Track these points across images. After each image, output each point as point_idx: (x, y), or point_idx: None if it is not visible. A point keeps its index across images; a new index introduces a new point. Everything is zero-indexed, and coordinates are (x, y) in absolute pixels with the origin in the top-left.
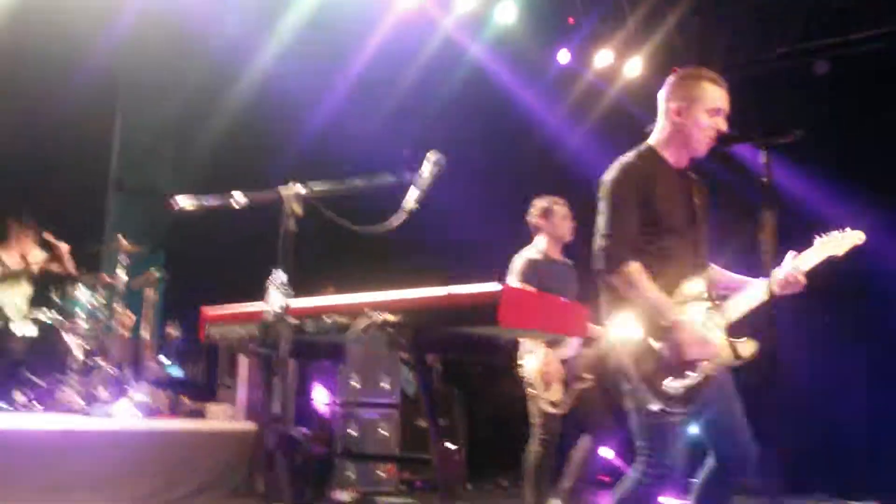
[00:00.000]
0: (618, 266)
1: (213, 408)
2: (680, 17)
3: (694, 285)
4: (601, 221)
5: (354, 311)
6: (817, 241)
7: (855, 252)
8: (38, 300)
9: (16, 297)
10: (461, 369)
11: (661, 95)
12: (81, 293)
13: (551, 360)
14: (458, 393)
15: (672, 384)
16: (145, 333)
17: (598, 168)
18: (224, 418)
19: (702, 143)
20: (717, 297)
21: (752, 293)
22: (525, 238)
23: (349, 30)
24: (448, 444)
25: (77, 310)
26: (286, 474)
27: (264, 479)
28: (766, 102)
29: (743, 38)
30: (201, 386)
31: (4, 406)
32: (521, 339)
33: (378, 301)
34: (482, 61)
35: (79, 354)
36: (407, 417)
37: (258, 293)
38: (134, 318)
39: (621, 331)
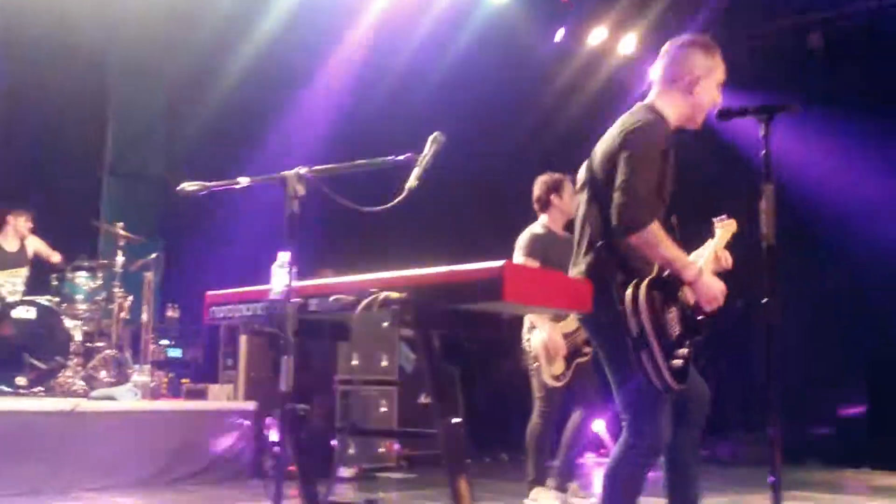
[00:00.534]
0: (642, 225)
1: (214, 388)
2: None
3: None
4: (622, 178)
5: (359, 290)
6: (717, 227)
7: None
8: (37, 285)
9: (14, 281)
10: (460, 347)
11: (671, 60)
12: (80, 277)
13: (555, 334)
14: (458, 370)
15: (676, 359)
16: (144, 315)
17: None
18: (225, 398)
19: (703, 113)
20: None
21: (707, 259)
22: (521, 216)
23: (343, 10)
24: (452, 419)
25: (76, 294)
26: (292, 451)
27: (268, 457)
28: (762, 75)
29: (737, 13)
30: (202, 366)
31: (6, 389)
32: (525, 315)
33: (383, 279)
34: (477, 40)
35: (79, 338)
36: (406, 395)
37: (258, 273)
38: (132, 299)
39: (649, 298)
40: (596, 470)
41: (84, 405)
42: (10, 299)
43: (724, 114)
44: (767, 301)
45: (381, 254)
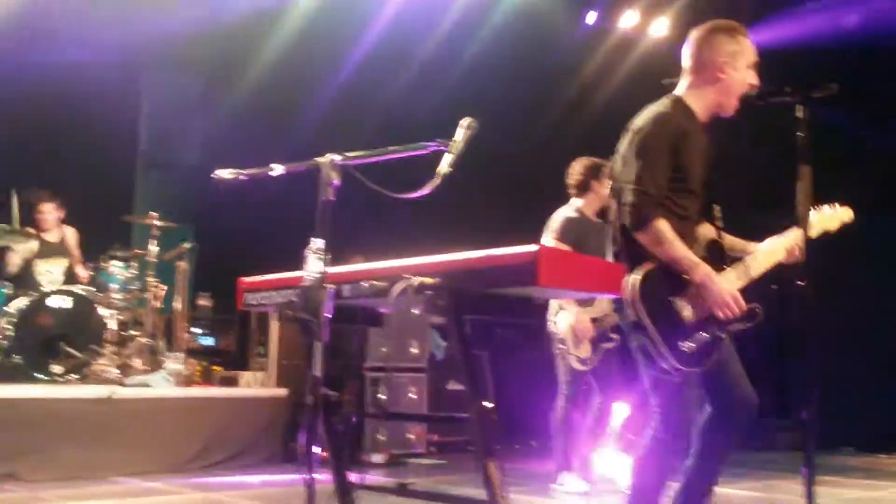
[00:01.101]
0: (646, 223)
1: (246, 375)
2: None
3: (710, 247)
4: (629, 173)
5: (392, 276)
6: (812, 214)
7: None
8: (73, 274)
9: (54, 270)
10: (490, 333)
11: (696, 49)
12: (114, 267)
13: (583, 318)
14: (488, 355)
15: (688, 344)
16: (177, 305)
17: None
18: (257, 385)
19: (736, 97)
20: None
21: (768, 256)
22: (550, 200)
23: None
24: (484, 403)
25: (110, 283)
26: (326, 437)
27: (301, 443)
28: (797, 57)
29: None
30: (234, 355)
31: (42, 377)
32: (556, 299)
33: (416, 265)
34: (507, 24)
35: (113, 326)
36: (436, 382)
37: (287, 263)
38: (166, 289)
39: (644, 287)
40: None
41: (120, 392)
42: (47, 289)
43: (760, 95)
44: (803, 284)
45: (410, 240)
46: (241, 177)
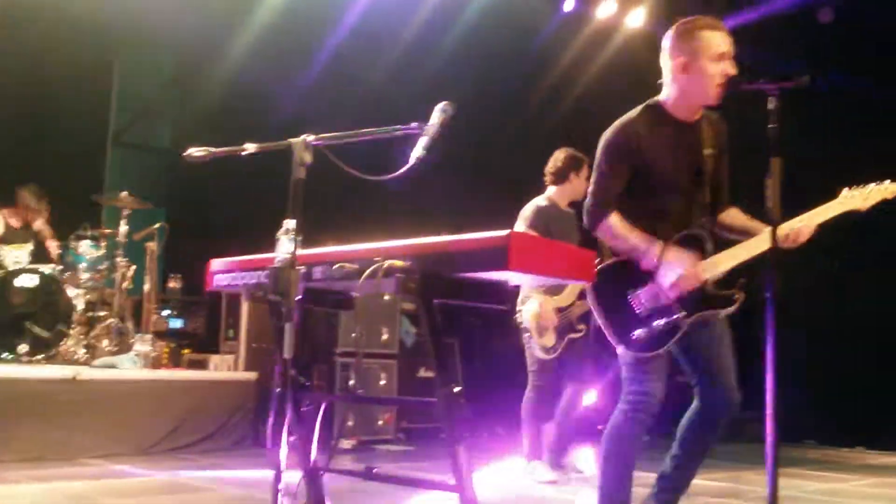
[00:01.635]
0: (597, 223)
1: (215, 358)
2: None
3: (684, 239)
4: (591, 180)
5: (364, 258)
6: (844, 192)
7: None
8: (41, 256)
9: (19, 254)
10: (459, 320)
11: (664, 52)
12: (83, 246)
13: (546, 307)
14: (458, 341)
15: (640, 332)
16: (147, 286)
17: (600, 120)
18: (226, 369)
19: (712, 90)
20: (713, 248)
21: (753, 243)
22: (525, 188)
23: None
24: (452, 387)
25: (79, 262)
26: (294, 421)
27: (269, 426)
28: (771, 49)
29: None
30: (203, 337)
31: (8, 357)
32: (520, 286)
33: (387, 247)
34: (484, 11)
35: (81, 306)
36: (405, 369)
37: (258, 245)
38: (134, 269)
39: (598, 279)
40: (589, 447)
41: (86, 373)
42: (13, 268)
43: (731, 84)
44: (770, 277)
45: (384, 223)
46: (213, 155)
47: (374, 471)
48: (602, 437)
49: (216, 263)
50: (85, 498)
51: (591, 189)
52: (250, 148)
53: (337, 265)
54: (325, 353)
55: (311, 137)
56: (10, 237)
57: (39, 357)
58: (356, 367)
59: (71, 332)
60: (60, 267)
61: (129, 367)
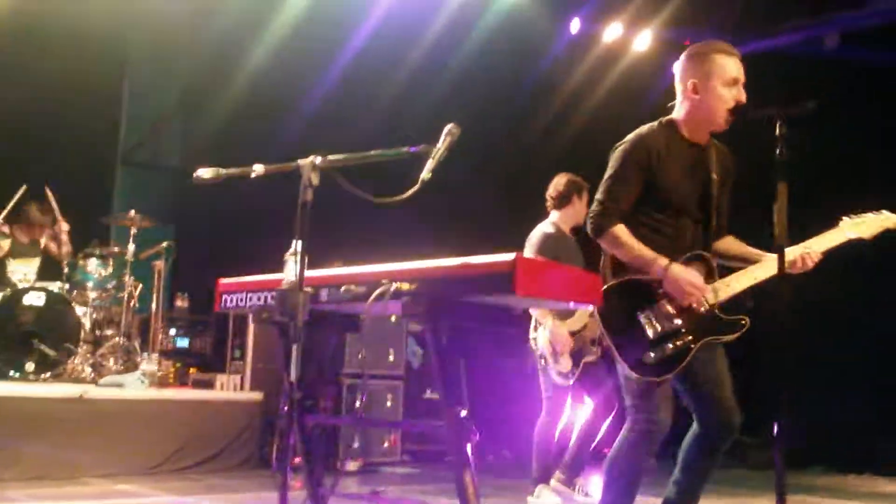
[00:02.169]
0: (603, 230)
1: (221, 378)
2: None
3: (691, 259)
4: (600, 188)
5: (371, 281)
6: (844, 221)
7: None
8: (48, 272)
9: (26, 269)
10: (467, 343)
11: (676, 73)
12: (91, 265)
13: (560, 332)
14: (464, 364)
15: (650, 355)
16: (154, 305)
17: (606, 144)
18: (232, 389)
19: (721, 115)
20: (719, 273)
21: (758, 269)
22: (532, 211)
23: (358, 3)
24: (459, 411)
25: (86, 281)
26: (300, 443)
27: (275, 448)
28: (778, 75)
29: (753, 12)
30: (209, 357)
31: (15, 375)
32: (532, 313)
33: (394, 270)
34: (492, 34)
35: (88, 325)
36: (412, 390)
37: (266, 265)
38: (140, 287)
39: (606, 301)
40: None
41: (92, 392)
42: (20, 286)
43: (739, 111)
44: (777, 301)
45: (392, 245)
46: (222, 177)
47: (380, 493)
48: (606, 462)
49: (224, 284)
50: None
51: (600, 196)
52: (258, 170)
53: (344, 287)
54: (332, 374)
55: (318, 159)
56: (17, 252)
57: (46, 375)
58: (362, 389)
59: (78, 350)
60: (68, 285)
61: (136, 386)
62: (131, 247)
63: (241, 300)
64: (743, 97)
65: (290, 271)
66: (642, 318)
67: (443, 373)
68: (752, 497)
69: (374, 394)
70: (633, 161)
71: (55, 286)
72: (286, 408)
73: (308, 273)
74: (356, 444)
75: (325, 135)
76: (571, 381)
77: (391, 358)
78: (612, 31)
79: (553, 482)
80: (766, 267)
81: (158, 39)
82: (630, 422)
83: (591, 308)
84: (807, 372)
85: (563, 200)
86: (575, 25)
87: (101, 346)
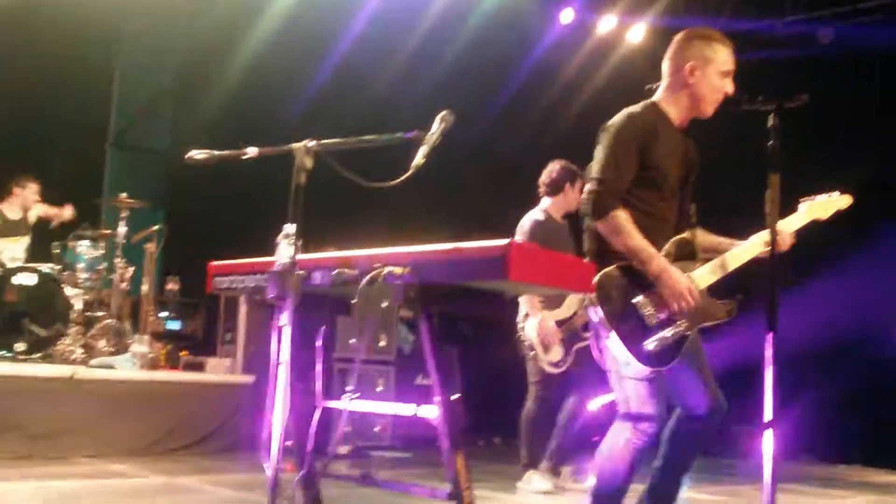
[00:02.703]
0: (605, 212)
1: (212, 361)
2: None
3: (681, 244)
4: (595, 167)
5: (363, 264)
6: (802, 204)
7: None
8: (39, 253)
9: (14, 248)
10: (457, 329)
11: (671, 54)
12: (82, 246)
13: (548, 322)
14: (456, 349)
15: (651, 343)
16: (145, 287)
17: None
18: (223, 371)
19: (710, 104)
20: (703, 258)
21: (740, 252)
22: (525, 197)
23: None
24: (451, 395)
25: (77, 262)
26: (291, 426)
27: (265, 430)
28: (771, 67)
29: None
30: (200, 339)
31: (5, 355)
32: (520, 302)
33: (387, 254)
34: (488, 22)
35: (79, 306)
36: (403, 376)
37: (257, 249)
38: (133, 270)
39: (604, 289)
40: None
41: (82, 373)
42: (10, 265)
43: (731, 103)
44: (769, 291)
45: (385, 230)
46: (215, 158)
47: (370, 476)
48: (598, 451)
49: (216, 266)
50: (76, 497)
51: (600, 175)
52: (251, 152)
53: (336, 271)
54: (324, 358)
55: (312, 143)
56: (6, 230)
57: (36, 355)
58: (353, 373)
59: (68, 331)
60: (59, 266)
61: (127, 367)
62: (122, 229)
63: (233, 282)
64: (731, 89)
65: (283, 254)
66: (638, 305)
67: (435, 357)
68: (744, 485)
69: (365, 379)
70: (630, 139)
71: (46, 267)
72: (277, 390)
73: (300, 256)
74: (347, 428)
75: (319, 121)
76: (564, 368)
77: (382, 343)
78: (605, 24)
79: (541, 468)
80: (741, 253)
81: (151, 22)
82: (624, 416)
83: (580, 295)
84: (799, 363)
85: (555, 188)
86: (566, 15)
87: (92, 328)
